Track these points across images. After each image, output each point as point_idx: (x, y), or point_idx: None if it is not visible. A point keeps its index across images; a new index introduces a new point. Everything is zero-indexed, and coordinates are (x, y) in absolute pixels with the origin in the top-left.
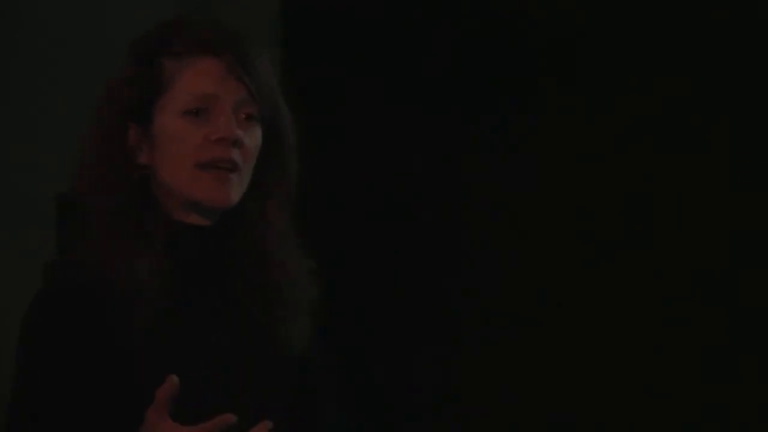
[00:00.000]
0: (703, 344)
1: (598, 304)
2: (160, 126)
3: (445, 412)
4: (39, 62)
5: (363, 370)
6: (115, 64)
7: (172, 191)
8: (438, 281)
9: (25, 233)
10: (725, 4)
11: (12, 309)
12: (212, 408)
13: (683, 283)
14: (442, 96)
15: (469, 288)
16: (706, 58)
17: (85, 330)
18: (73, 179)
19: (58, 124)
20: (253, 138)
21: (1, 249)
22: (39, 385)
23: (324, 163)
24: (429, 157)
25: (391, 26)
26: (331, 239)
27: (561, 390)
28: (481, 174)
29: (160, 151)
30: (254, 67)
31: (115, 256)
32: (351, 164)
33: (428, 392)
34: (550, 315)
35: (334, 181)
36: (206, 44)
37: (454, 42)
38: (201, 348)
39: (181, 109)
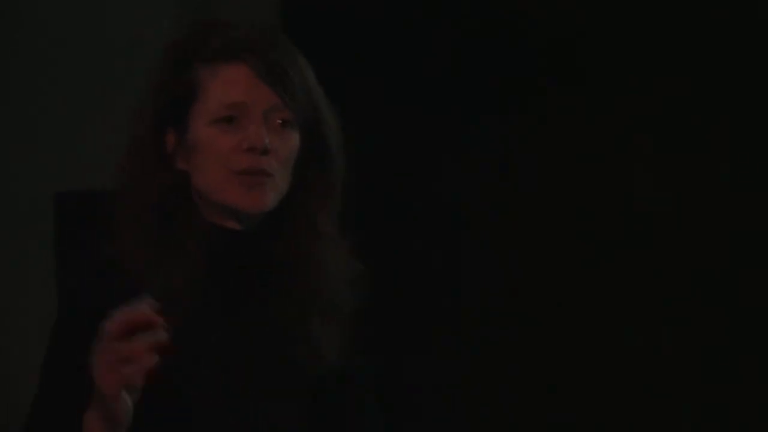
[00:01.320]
0: (703, 344)
1: (598, 304)
2: (194, 133)
3: (444, 412)
4: (39, 62)
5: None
6: (115, 64)
7: (208, 196)
8: (438, 281)
9: (25, 233)
10: (725, 4)
11: (12, 309)
12: (227, 414)
13: (683, 283)
14: (442, 96)
15: (469, 288)
16: (706, 58)
17: None
18: (113, 182)
19: (58, 124)
20: (288, 143)
21: (1, 249)
22: (59, 389)
23: None
24: (429, 157)
25: (391, 26)
26: None
27: (561, 390)
28: (481, 174)
29: (194, 157)
30: (286, 72)
31: (146, 260)
32: (350, 164)
33: (428, 392)
34: (550, 315)
35: None
36: (236, 50)
37: (454, 42)
38: (224, 353)
39: (212, 117)
